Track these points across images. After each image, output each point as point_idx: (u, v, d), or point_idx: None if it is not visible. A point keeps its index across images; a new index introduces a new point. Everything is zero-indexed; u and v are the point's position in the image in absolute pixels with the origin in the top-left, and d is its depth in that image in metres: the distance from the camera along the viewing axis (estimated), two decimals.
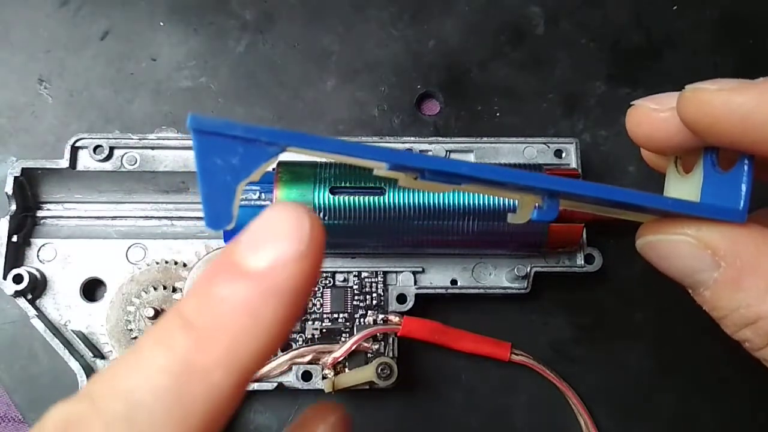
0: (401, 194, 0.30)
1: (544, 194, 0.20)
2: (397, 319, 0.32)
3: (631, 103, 0.22)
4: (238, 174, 0.18)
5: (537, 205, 0.21)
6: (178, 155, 0.33)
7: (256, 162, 0.18)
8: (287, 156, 0.19)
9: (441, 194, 0.30)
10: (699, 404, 0.33)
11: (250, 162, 0.18)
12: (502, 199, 0.32)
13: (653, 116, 0.21)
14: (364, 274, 0.33)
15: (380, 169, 0.20)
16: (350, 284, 0.32)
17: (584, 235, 0.33)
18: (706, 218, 0.19)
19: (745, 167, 0.19)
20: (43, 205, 0.34)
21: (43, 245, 0.33)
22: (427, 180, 0.19)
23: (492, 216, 0.30)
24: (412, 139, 0.34)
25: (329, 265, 0.33)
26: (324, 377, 0.31)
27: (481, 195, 0.31)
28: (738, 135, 0.18)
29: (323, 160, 0.31)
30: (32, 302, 0.32)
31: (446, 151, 0.34)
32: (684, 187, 0.22)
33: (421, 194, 0.30)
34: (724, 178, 0.20)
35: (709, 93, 0.19)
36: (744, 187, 0.19)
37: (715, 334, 0.33)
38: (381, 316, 0.32)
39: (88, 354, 0.31)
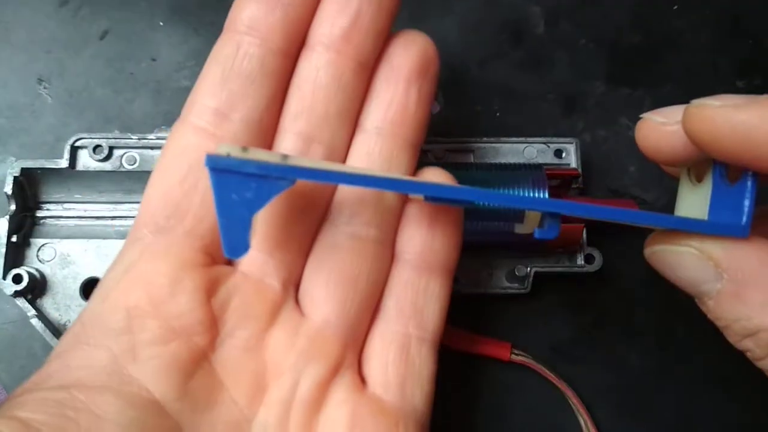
0: None
1: (545, 215, 0.20)
2: None
3: (640, 116, 0.22)
4: (252, 207, 0.19)
5: (539, 223, 0.21)
6: None
7: (268, 195, 0.19)
8: None
9: None
10: (699, 404, 0.33)
11: (263, 195, 0.19)
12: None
13: (661, 129, 0.21)
14: None
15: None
16: None
17: (584, 235, 0.33)
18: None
19: (749, 183, 0.20)
20: (43, 205, 0.34)
21: (43, 245, 0.33)
22: (433, 202, 0.20)
23: (491, 216, 0.30)
24: None
25: None
26: None
27: None
28: (740, 152, 0.19)
29: None
30: (32, 302, 0.32)
31: (446, 150, 0.34)
32: (695, 195, 0.22)
33: None
34: (732, 191, 0.20)
35: (712, 109, 0.19)
36: (747, 203, 0.20)
37: (716, 335, 0.33)
38: None
39: None
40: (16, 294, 0.31)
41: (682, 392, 0.33)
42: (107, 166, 0.33)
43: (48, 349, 0.32)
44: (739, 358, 0.33)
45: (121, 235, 0.33)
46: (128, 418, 0.20)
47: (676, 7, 0.39)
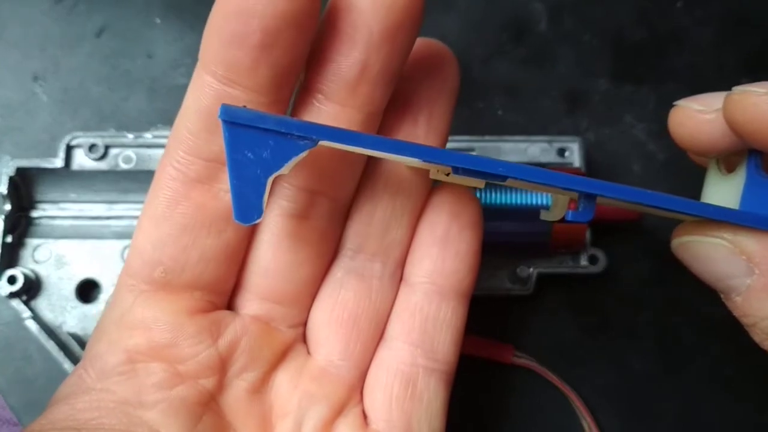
0: None
1: (581, 195, 0.19)
2: None
3: (674, 103, 0.21)
4: (268, 167, 0.18)
5: (572, 201, 0.20)
6: None
7: (287, 156, 0.17)
8: None
9: None
10: (703, 406, 0.33)
11: (282, 156, 0.17)
12: (504, 199, 0.31)
13: (698, 117, 0.20)
14: None
15: (413, 162, 0.20)
16: None
17: (588, 236, 0.32)
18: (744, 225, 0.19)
19: None
20: (38, 205, 0.33)
21: (38, 245, 0.33)
22: (459, 175, 0.19)
23: (494, 216, 0.30)
24: None
25: None
26: None
27: (484, 196, 0.31)
28: None
29: None
30: (27, 303, 0.32)
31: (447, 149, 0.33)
32: (724, 186, 0.21)
33: None
34: (767, 183, 0.19)
35: (756, 97, 0.18)
36: None
37: (719, 336, 0.33)
38: None
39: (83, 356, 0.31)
40: (11, 295, 0.31)
41: (687, 394, 0.33)
42: (103, 165, 0.33)
43: (43, 351, 0.31)
44: (743, 360, 0.33)
45: (118, 236, 0.33)
46: None
47: (679, 3, 0.39)
